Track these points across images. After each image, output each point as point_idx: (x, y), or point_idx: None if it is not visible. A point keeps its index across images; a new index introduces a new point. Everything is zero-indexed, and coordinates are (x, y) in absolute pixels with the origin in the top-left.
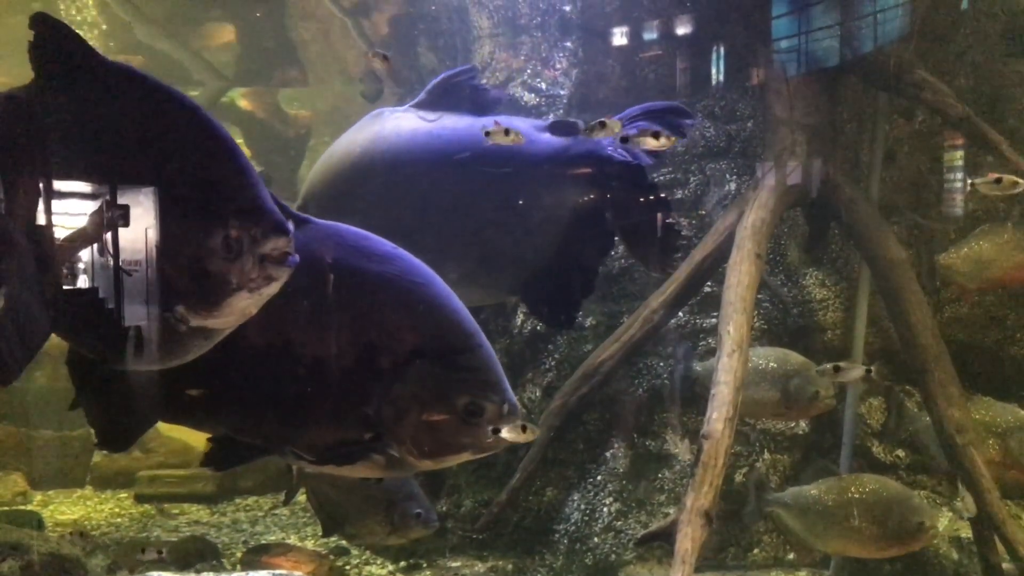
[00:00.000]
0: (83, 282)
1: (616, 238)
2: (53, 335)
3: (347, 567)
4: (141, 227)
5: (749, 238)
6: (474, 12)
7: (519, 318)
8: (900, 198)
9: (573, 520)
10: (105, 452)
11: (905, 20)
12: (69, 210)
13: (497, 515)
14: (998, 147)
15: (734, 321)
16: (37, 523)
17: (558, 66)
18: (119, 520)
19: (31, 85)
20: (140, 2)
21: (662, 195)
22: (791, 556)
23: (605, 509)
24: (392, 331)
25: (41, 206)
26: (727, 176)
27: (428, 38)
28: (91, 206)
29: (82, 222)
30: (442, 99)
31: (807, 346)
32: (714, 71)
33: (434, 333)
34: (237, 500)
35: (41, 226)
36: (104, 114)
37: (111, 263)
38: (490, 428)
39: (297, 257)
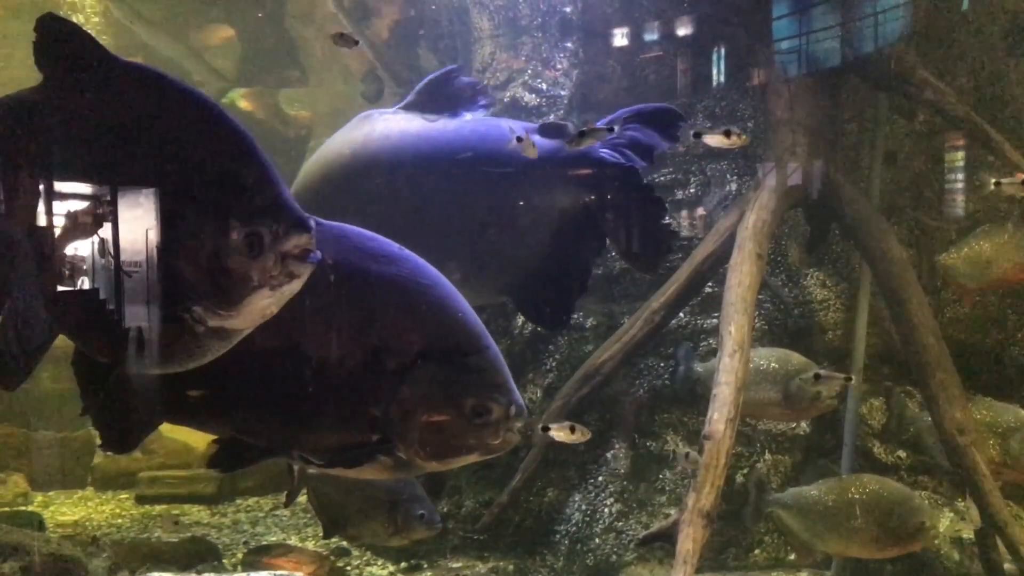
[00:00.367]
0: (98, 284)
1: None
2: (60, 336)
3: (348, 568)
4: (159, 227)
5: (750, 238)
6: (475, 13)
7: (520, 319)
8: (901, 198)
9: (574, 521)
10: (108, 453)
11: (906, 20)
12: (85, 212)
13: (498, 516)
14: (999, 147)
15: (735, 322)
16: (38, 524)
17: (559, 67)
18: (120, 521)
19: (41, 87)
20: (139, 4)
21: (655, 197)
22: (792, 557)
23: (606, 510)
24: (399, 332)
25: (55, 208)
26: (728, 176)
27: (429, 40)
28: (108, 208)
29: (99, 224)
30: (429, 100)
31: (808, 347)
32: (715, 72)
33: (441, 334)
34: (238, 501)
35: (54, 229)
36: (120, 114)
37: (127, 265)
38: (499, 429)
39: (319, 254)
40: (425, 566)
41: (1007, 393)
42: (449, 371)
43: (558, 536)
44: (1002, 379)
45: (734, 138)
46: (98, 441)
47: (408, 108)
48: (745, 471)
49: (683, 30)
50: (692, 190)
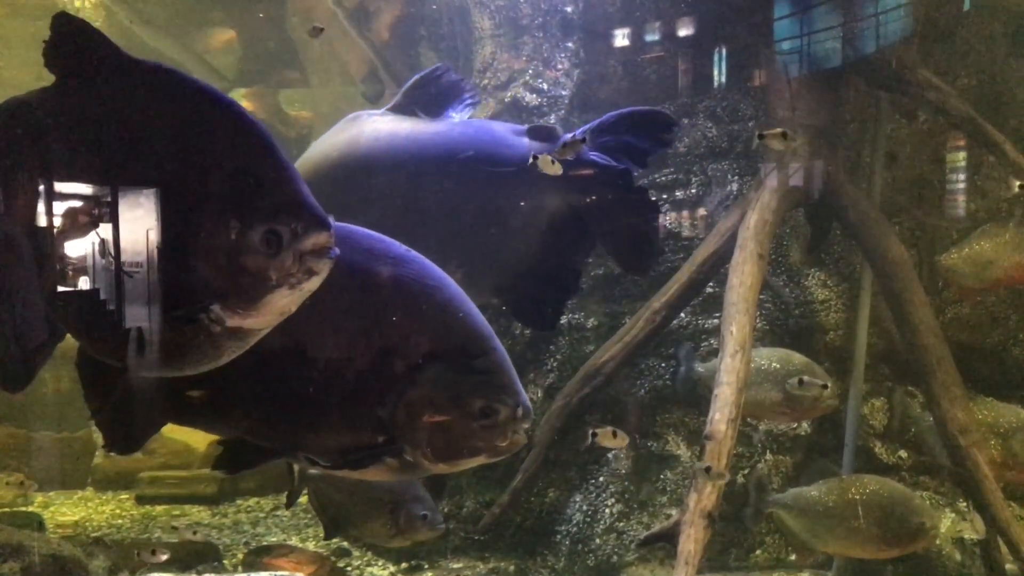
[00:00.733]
0: (115, 287)
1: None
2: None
3: (348, 568)
4: (177, 227)
5: (751, 239)
6: (476, 13)
7: None
8: (902, 198)
9: (575, 521)
10: (110, 454)
11: (907, 20)
12: (102, 213)
13: (499, 516)
14: (1001, 147)
15: (737, 322)
16: (38, 524)
17: (560, 67)
18: (120, 522)
19: (55, 86)
20: (140, 5)
21: (646, 199)
22: (793, 557)
23: (607, 510)
24: (406, 334)
25: (70, 209)
26: (729, 177)
27: (430, 40)
28: (125, 208)
29: (118, 224)
30: (417, 100)
31: (809, 347)
32: (716, 72)
33: (448, 336)
34: (238, 501)
35: (67, 229)
36: (136, 113)
37: (144, 265)
38: (506, 431)
39: (338, 250)
40: (426, 566)
41: (1008, 393)
42: (456, 373)
43: (559, 537)
44: (1004, 379)
45: (789, 140)
46: (99, 441)
47: (396, 109)
48: (746, 471)
49: (684, 30)
50: (693, 190)
